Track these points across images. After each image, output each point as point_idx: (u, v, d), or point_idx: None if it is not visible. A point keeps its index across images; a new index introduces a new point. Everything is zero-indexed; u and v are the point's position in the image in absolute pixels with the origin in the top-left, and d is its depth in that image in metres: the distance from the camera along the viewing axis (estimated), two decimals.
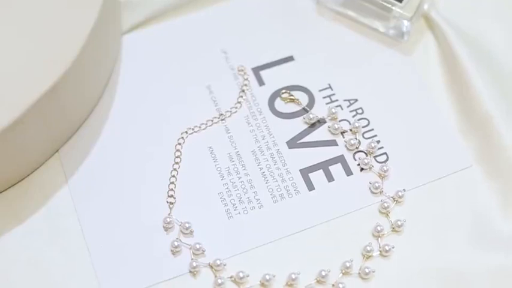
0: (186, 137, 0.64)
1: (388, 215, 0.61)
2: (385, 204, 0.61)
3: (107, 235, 0.61)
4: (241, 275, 0.58)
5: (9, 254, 0.59)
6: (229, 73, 0.67)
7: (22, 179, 0.62)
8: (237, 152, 0.64)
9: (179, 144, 0.64)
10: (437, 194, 0.62)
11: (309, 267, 0.59)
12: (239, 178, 0.63)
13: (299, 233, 0.60)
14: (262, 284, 0.58)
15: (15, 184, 0.62)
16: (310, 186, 0.62)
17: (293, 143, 0.64)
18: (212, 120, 0.65)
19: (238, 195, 0.62)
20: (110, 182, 0.62)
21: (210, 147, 0.64)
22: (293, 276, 0.58)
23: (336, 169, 0.63)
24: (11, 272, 0.59)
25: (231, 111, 0.65)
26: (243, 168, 0.63)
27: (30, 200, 0.61)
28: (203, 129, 0.65)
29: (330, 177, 0.62)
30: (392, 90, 0.66)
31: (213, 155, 0.63)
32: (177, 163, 0.63)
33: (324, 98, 0.66)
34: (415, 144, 0.64)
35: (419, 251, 0.60)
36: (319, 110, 0.65)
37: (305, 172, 0.63)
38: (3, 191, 0.61)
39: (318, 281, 0.58)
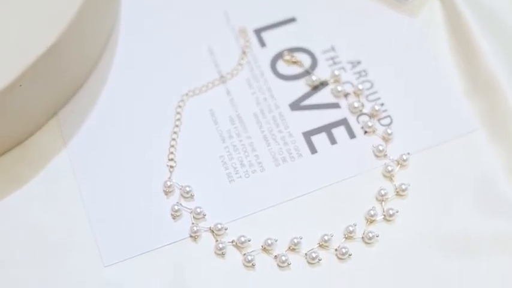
0: (187, 100, 0.63)
1: (392, 178, 0.60)
2: (389, 168, 0.60)
3: (106, 199, 0.60)
4: (242, 239, 0.58)
5: (8, 218, 0.59)
6: (231, 35, 0.66)
7: (20, 143, 0.61)
8: (238, 114, 0.63)
9: (179, 107, 0.63)
10: (442, 157, 0.61)
11: (312, 231, 0.58)
12: (240, 141, 0.62)
13: (301, 197, 0.60)
14: (264, 249, 0.58)
15: (13, 148, 0.61)
16: (313, 150, 0.61)
17: (295, 106, 0.63)
18: (213, 83, 0.64)
19: (239, 158, 0.61)
20: (108, 145, 0.62)
21: (211, 110, 0.63)
22: (295, 240, 0.58)
23: (339, 132, 0.62)
24: (9, 236, 0.58)
25: (232, 74, 0.64)
26: (245, 131, 0.62)
27: (29, 164, 0.60)
28: (204, 91, 0.64)
29: (332, 140, 0.62)
30: (396, 52, 0.65)
31: (213, 118, 0.62)
32: (177, 126, 0.62)
33: (327, 60, 0.65)
34: (420, 107, 0.63)
35: (423, 215, 0.59)
36: (322, 72, 0.64)
37: (307, 135, 0.62)
38: (1, 155, 0.60)
39: (321, 246, 0.58)
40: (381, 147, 0.61)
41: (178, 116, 0.62)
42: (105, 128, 0.62)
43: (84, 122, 0.62)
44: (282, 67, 0.65)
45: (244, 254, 0.57)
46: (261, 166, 0.61)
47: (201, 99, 0.63)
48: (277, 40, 0.66)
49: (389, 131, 0.61)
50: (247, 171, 0.61)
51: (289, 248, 0.58)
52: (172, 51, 0.65)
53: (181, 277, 0.57)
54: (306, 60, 0.65)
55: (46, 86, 0.59)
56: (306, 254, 0.57)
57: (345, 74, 0.64)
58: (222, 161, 0.61)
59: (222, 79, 0.64)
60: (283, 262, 0.57)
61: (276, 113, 0.63)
